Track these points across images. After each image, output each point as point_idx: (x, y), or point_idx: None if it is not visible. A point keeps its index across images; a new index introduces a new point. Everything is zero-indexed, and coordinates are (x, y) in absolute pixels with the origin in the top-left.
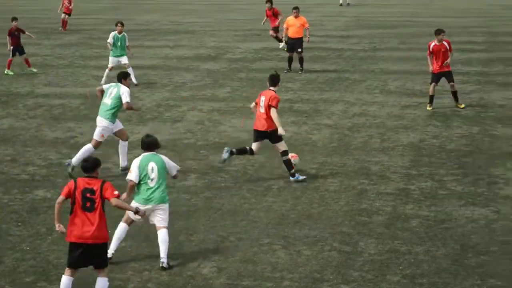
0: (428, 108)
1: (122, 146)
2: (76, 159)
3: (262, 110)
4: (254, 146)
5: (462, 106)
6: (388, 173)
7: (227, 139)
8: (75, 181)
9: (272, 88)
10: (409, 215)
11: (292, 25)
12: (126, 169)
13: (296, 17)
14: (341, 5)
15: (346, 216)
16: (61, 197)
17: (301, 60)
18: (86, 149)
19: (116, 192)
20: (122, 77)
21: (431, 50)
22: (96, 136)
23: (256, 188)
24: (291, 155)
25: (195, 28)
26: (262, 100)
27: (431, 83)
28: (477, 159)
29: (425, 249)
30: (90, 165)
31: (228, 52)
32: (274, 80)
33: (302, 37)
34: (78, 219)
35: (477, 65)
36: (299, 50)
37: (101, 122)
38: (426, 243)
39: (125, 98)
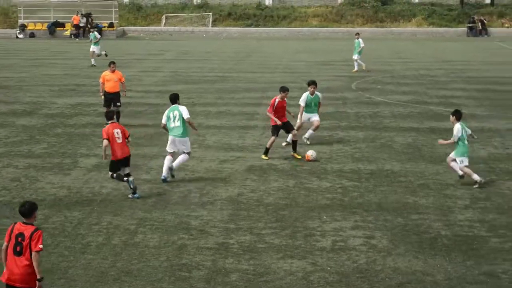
0: (264, 157)
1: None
2: (176, 165)
3: (120, 140)
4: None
5: (299, 156)
6: (207, 228)
7: (44, 195)
8: (14, 224)
9: (111, 121)
10: (229, 269)
11: (109, 80)
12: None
13: (112, 71)
14: (93, 65)
15: (166, 272)
16: (4, 244)
17: (118, 115)
18: (184, 159)
19: (40, 246)
20: (177, 98)
21: (274, 106)
22: (189, 149)
23: (74, 245)
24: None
25: (10, 83)
26: (117, 132)
27: (272, 136)
28: (294, 212)
29: None
30: (27, 210)
31: (44, 107)
32: (111, 115)
33: (119, 91)
34: (9, 261)
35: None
36: (118, 104)
37: (184, 140)
38: None
39: (186, 115)
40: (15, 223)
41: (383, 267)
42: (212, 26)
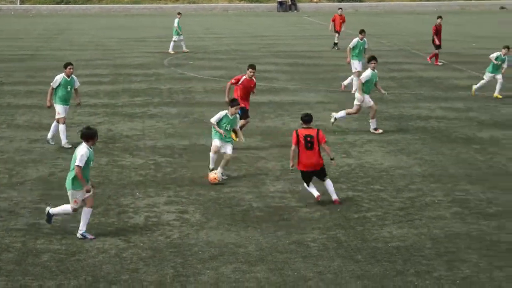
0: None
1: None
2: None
3: None
4: None
5: (236, 139)
6: (17, 209)
7: None
8: (297, 132)
9: None
10: (40, 249)
11: None
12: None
13: None
14: None
15: None
16: (293, 146)
17: None
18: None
19: (325, 139)
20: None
21: (240, 82)
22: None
23: None
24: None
25: None
26: None
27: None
28: (107, 189)
29: (57, 283)
30: (309, 119)
31: None
32: None
33: None
34: (303, 155)
35: (103, 97)
36: None
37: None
38: (58, 277)
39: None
40: (296, 130)
41: (196, 241)
42: (20, 4)
